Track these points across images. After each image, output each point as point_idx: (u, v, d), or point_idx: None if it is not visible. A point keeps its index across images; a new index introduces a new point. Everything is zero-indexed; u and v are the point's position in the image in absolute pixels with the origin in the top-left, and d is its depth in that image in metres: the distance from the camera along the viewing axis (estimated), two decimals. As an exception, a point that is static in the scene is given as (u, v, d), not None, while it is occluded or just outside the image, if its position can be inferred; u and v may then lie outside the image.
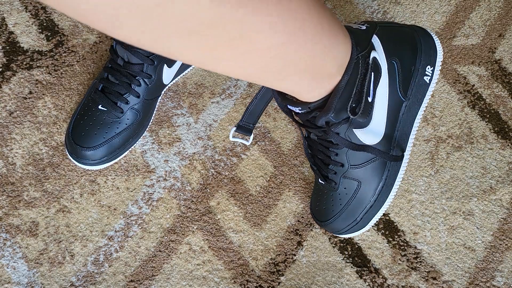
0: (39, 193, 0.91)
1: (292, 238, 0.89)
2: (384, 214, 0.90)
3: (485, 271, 0.87)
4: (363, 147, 0.79)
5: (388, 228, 0.90)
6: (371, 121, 0.78)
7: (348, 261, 0.88)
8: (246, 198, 0.91)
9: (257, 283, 0.87)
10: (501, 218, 0.90)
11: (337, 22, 0.65)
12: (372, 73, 0.74)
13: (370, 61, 0.74)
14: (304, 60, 0.61)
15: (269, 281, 0.87)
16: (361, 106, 0.74)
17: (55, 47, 1.00)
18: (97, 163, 0.90)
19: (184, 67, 0.96)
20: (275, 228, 0.90)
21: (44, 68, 0.98)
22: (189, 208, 0.91)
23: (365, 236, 0.89)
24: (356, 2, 1.02)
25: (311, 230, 0.90)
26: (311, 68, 0.64)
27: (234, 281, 0.87)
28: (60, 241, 0.89)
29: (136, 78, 0.89)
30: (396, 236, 0.89)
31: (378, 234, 0.89)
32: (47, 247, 0.89)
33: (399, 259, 0.88)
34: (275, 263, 0.88)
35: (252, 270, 0.88)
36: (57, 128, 0.95)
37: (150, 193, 0.91)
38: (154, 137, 0.95)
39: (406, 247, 0.89)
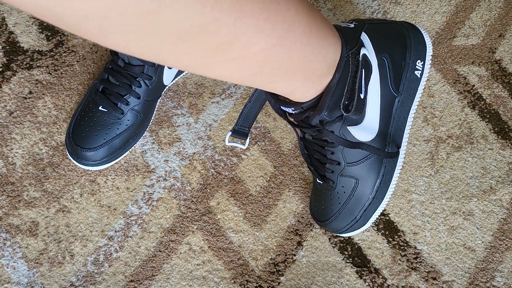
0: (39, 193, 0.91)
1: (292, 238, 0.89)
2: (384, 214, 0.90)
3: (485, 272, 0.87)
4: (358, 145, 0.79)
5: (388, 228, 0.90)
6: (365, 117, 0.79)
7: (348, 261, 0.88)
8: (246, 198, 0.91)
9: (257, 283, 0.87)
10: (501, 218, 0.90)
11: (326, 22, 0.66)
12: (363, 70, 0.75)
13: (360, 58, 0.74)
14: (294, 61, 0.61)
15: (269, 281, 0.87)
16: (354, 103, 0.74)
17: (55, 47, 1.00)
18: (97, 163, 0.90)
19: None
20: (275, 228, 0.90)
21: (44, 68, 0.98)
22: (189, 208, 0.91)
23: (365, 236, 0.89)
24: (356, 2, 1.02)
25: (311, 230, 0.90)
26: (302, 69, 0.64)
27: (234, 281, 0.87)
28: (60, 241, 0.89)
29: (137, 79, 0.89)
30: (396, 236, 0.89)
31: (378, 234, 0.89)
32: (47, 247, 0.89)
33: (399, 259, 0.88)
34: (275, 263, 0.88)
35: (252, 270, 0.88)
36: (57, 128, 0.95)
37: (150, 193, 0.91)
38: (154, 137, 0.95)
39: (406, 247, 0.89)
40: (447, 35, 1.00)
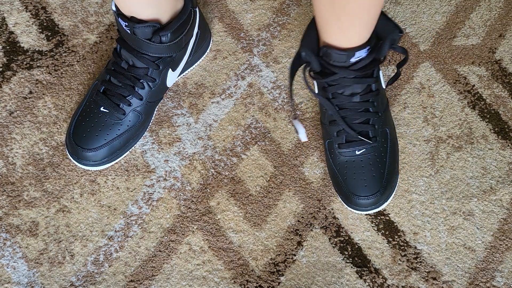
0: (39, 193, 0.91)
1: (292, 238, 0.89)
2: (384, 214, 0.90)
3: (485, 272, 0.87)
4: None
5: (388, 228, 0.90)
6: None
7: (348, 261, 0.88)
8: (246, 198, 0.91)
9: (257, 283, 0.87)
10: (501, 218, 0.90)
11: None
12: None
13: None
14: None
15: (269, 281, 0.87)
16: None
17: (55, 47, 1.00)
18: (97, 163, 0.90)
19: (186, 67, 0.96)
20: (275, 228, 0.90)
21: (44, 68, 0.98)
22: (189, 208, 0.91)
23: (365, 236, 0.89)
24: (356, 2, 1.02)
25: (311, 230, 0.90)
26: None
27: (234, 281, 0.87)
28: (60, 241, 0.89)
29: (140, 81, 0.89)
30: (396, 236, 0.89)
31: (378, 234, 0.89)
32: (47, 247, 0.89)
33: (399, 259, 0.88)
34: (275, 263, 0.88)
35: (252, 270, 0.88)
36: (57, 128, 0.95)
37: (150, 193, 0.92)
38: (154, 137, 0.95)
39: (406, 247, 0.89)
40: (447, 35, 1.00)
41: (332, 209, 0.90)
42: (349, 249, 0.89)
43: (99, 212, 0.90)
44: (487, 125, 0.95)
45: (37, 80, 0.97)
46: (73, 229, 0.90)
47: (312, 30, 0.82)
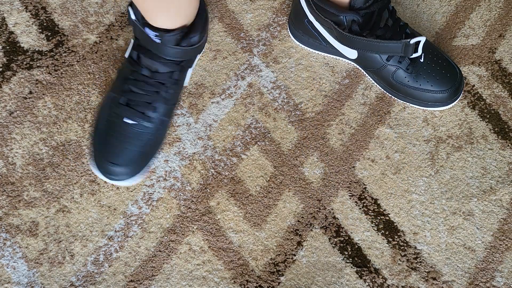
0: (39, 193, 0.91)
1: (292, 238, 0.89)
2: (384, 214, 0.90)
3: (485, 272, 0.87)
4: None
5: (388, 228, 0.90)
6: None
7: (348, 261, 0.88)
8: (246, 198, 0.91)
9: (257, 283, 0.87)
10: (501, 218, 0.90)
11: None
12: None
13: None
14: None
15: (269, 281, 0.87)
16: None
17: (55, 47, 1.00)
18: (133, 175, 0.89)
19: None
20: (275, 228, 0.90)
21: (44, 68, 0.98)
22: (189, 208, 0.91)
23: (365, 236, 0.89)
24: (356, 2, 1.02)
25: (311, 230, 0.90)
26: None
27: (234, 281, 0.87)
28: (60, 241, 0.89)
29: (165, 85, 0.88)
30: (396, 236, 0.89)
31: (378, 234, 0.89)
32: (47, 247, 0.89)
33: (399, 259, 0.88)
34: (275, 263, 0.88)
35: (252, 270, 0.88)
36: (57, 128, 0.95)
37: (150, 193, 0.92)
38: (154, 137, 0.95)
39: (406, 247, 0.89)
40: (447, 35, 1.01)
41: (332, 209, 0.90)
42: (349, 249, 0.89)
43: (99, 212, 0.90)
44: (487, 125, 0.95)
45: (37, 80, 0.97)
46: (73, 229, 0.90)
47: None
